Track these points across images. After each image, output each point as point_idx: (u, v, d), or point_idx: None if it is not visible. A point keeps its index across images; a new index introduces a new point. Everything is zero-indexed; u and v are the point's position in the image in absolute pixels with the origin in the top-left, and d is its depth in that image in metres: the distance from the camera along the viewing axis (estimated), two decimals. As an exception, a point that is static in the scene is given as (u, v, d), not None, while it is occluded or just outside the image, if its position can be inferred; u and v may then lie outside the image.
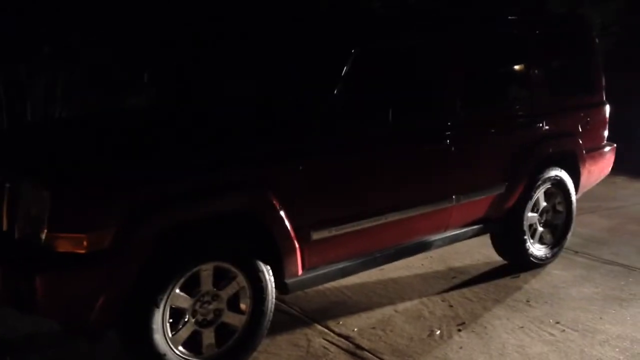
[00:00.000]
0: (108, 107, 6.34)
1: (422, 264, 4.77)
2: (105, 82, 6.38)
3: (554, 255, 4.76)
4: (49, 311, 2.65)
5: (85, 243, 2.62)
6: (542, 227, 4.68)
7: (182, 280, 2.89)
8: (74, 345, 3.34)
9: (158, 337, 2.84)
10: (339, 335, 3.61)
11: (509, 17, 4.74)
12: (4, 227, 2.80)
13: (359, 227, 3.50)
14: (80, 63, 6.18)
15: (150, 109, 4.96)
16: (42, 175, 2.78)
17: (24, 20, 5.66)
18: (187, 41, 6.44)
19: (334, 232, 3.38)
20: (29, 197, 2.72)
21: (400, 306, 4.03)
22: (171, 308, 2.89)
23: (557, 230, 4.77)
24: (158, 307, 2.81)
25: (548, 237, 4.73)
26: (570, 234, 4.85)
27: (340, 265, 3.55)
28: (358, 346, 3.48)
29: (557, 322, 3.81)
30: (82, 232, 2.62)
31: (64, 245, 2.63)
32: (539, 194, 4.55)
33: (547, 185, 4.58)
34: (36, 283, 2.53)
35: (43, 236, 2.62)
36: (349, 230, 3.45)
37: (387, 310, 3.96)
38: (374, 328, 3.70)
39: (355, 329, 3.68)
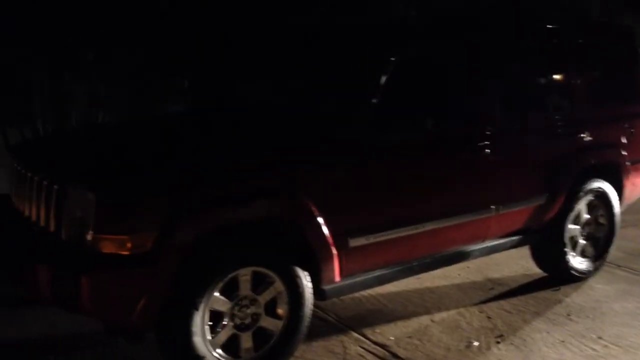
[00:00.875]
0: (148, 113, 6.46)
1: (459, 274, 4.72)
2: (145, 87, 6.51)
3: (595, 269, 4.66)
4: (92, 310, 2.71)
5: (128, 245, 2.68)
6: (584, 239, 4.59)
7: (221, 284, 2.93)
8: (115, 345, 3.40)
9: (197, 340, 2.87)
10: (375, 343, 3.59)
11: (551, 26, 4.69)
12: (52, 228, 2.88)
13: (396, 235, 3.49)
14: (121, 69, 6.31)
15: (191, 114, 5.03)
16: (87, 179, 2.84)
17: (69, 27, 5.81)
18: (225, 48, 6.53)
19: (371, 239, 3.38)
20: (75, 199, 2.79)
21: (437, 316, 3.99)
22: (210, 311, 2.92)
23: (599, 243, 4.67)
24: (198, 309, 2.85)
25: (590, 250, 4.64)
26: (612, 247, 4.74)
27: (377, 272, 3.53)
28: (394, 355, 3.46)
29: (600, 337, 3.72)
30: (126, 234, 2.68)
31: (108, 247, 2.69)
32: (581, 206, 4.47)
33: (590, 197, 4.49)
34: (82, 283, 2.60)
35: (88, 237, 2.69)
36: (386, 238, 3.44)
37: (424, 319, 3.93)
38: (410, 337, 3.68)
39: (392, 338, 3.66)
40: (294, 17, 6.57)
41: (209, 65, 6.52)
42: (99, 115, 6.14)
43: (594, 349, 3.57)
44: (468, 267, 4.82)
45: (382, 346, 3.56)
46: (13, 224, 3.27)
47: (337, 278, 3.29)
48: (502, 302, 4.23)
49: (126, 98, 6.36)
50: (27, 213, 3.17)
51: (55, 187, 2.87)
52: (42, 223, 2.97)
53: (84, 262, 2.67)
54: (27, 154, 3.61)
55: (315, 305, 3.38)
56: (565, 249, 4.42)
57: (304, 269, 3.17)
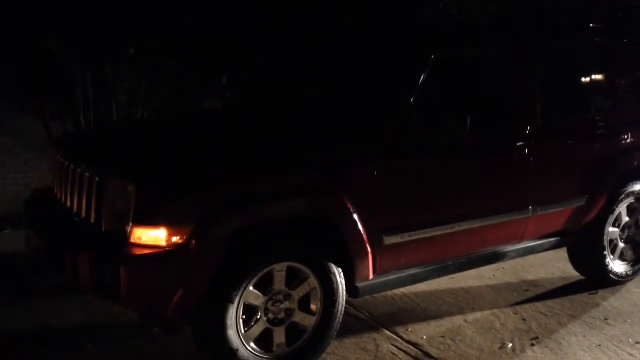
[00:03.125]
0: (187, 109, 6.54)
1: (494, 275, 4.67)
2: (184, 84, 6.58)
3: (635, 273, 4.55)
4: (130, 300, 2.77)
5: (166, 237, 2.73)
6: (624, 243, 4.49)
7: (256, 279, 2.96)
8: (151, 336, 3.47)
9: (231, 333, 2.91)
10: (408, 342, 3.58)
11: (594, 25, 4.59)
12: (92, 219, 2.95)
13: (431, 234, 3.47)
14: (161, 65, 6.39)
15: (229, 111, 5.09)
16: (128, 171, 2.91)
17: (114, 25, 5.91)
18: (262, 46, 6.56)
19: (406, 237, 3.37)
20: (115, 191, 2.86)
21: (471, 316, 3.96)
22: (244, 305, 2.96)
23: (639, 247, 4.57)
24: (232, 303, 2.89)
25: (629, 254, 4.53)
26: (653, 252, 4.63)
27: (412, 271, 3.52)
28: (427, 354, 3.45)
29: (637, 343, 3.64)
30: (164, 226, 2.74)
31: (146, 238, 2.74)
32: (622, 209, 4.38)
33: (631, 199, 4.39)
34: (120, 273, 2.66)
35: (127, 229, 2.75)
36: (421, 236, 3.43)
37: (457, 319, 3.91)
38: (443, 337, 3.66)
39: (424, 337, 3.64)
40: (335, 14, 6.55)
41: (246, 63, 6.56)
42: (138, 110, 6.23)
43: (631, 354, 3.50)
44: (503, 269, 4.76)
45: (415, 345, 3.54)
46: (55, 215, 3.36)
47: (371, 276, 3.30)
48: (538, 305, 4.17)
49: (165, 94, 6.44)
50: (68, 204, 3.25)
51: (97, 179, 2.94)
52: (83, 214, 3.05)
53: (122, 253, 2.73)
54: (70, 146, 3.70)
55: (348, 302, 3.39)
56: (605, 252, 4.33)
57: (338, 265, 3.18)
